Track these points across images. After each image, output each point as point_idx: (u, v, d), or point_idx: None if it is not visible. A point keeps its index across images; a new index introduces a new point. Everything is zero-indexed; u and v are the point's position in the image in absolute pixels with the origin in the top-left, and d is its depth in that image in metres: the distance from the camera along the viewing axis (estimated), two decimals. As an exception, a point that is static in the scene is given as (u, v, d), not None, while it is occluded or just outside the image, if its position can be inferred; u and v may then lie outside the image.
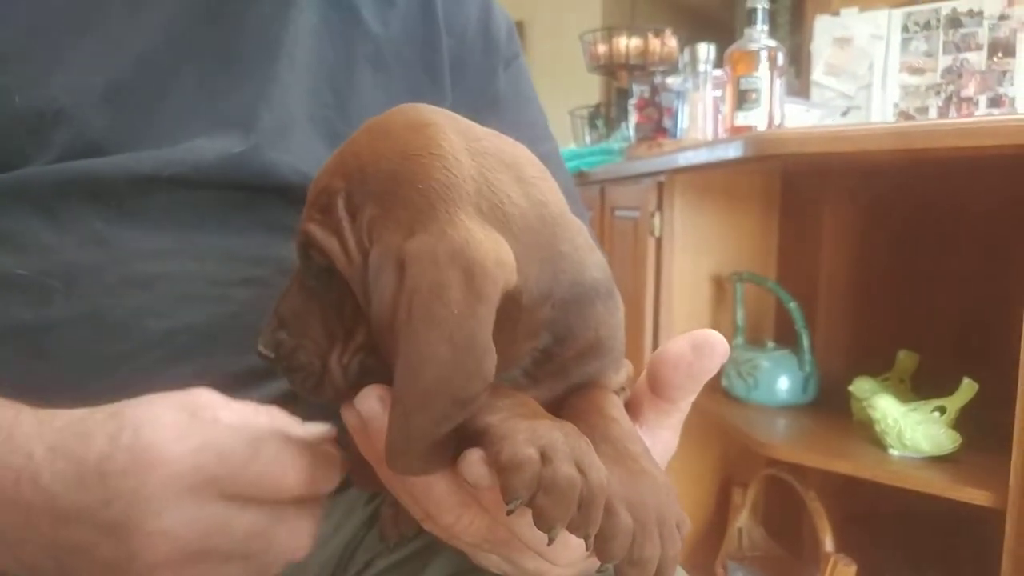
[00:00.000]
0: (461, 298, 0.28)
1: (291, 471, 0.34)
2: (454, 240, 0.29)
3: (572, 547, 0.31)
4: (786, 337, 1.37)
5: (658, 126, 1.65)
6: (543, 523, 0.26)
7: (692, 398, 0.36)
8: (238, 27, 0.50)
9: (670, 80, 1.78)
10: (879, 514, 1.26)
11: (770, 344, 1.36)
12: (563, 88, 2.41)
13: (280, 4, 0.52)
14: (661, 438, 0.36)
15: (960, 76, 3.19)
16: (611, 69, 2.02)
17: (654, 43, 1.92)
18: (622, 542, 0.27)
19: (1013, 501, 0.90)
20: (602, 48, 1.98)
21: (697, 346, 0.34)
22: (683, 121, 1.52)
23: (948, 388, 1.06)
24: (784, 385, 1.29)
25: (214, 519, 0.33)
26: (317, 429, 0.38)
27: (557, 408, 0.34)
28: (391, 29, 0.57)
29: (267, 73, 0.50)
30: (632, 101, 1.77)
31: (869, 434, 1.10)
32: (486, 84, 0.63)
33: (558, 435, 0.28)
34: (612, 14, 4.16)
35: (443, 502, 0.31)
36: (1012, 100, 3.05)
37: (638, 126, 1.70)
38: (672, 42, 1.94)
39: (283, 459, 0.34)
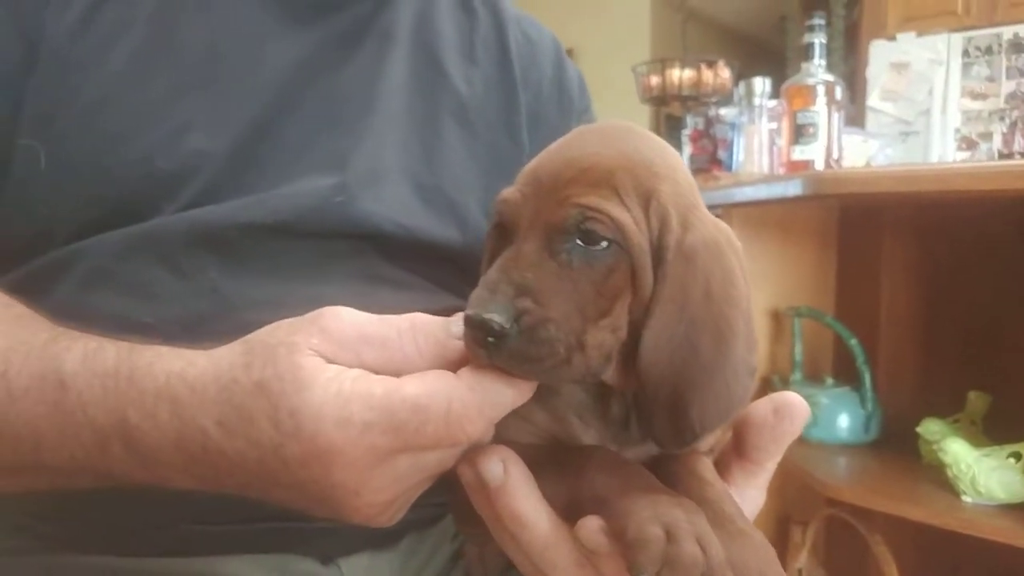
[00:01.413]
0: (742, 279, 0.34)
1: (467, 424, 0.32)
2: (726, 230, 0.35)
3: None
4: (845, 374, 1.34)
5: (713, 157, 1.65)
6: None
7: (778, 458, 0.36)
8: (336, 80, 0.54)
9: (723, 111, 1.78)
10: (949, 562, 1.21)
11: (829, 380, 1.34)
12: (611, 116, 2.42)
13: (375, 59, 0.56)
14: (749, 497, 0.37)
15: (1025, 102, 3.09)
16: (664, 100, 2.03)
17: (707, 74, 1.92)
18: None
19: (1097, 554, 0.86)
20: (655, 79, 1.99)
21: (778, 410, 0.36)
22: (739, 154, 1.52)
23: (1022, 432, 1.02)
24: (844, 423, 1.27)
25: (406, 471, 0.33)
26: (460, 326, 0.34)
27: (652, 469, 0.35)
28: (474, 88, 0.60)
29: (362, 123, 0.53)
30: (686, 132, 1.77)
31: (939, 478, 1.07)
32: (561, 134, 0.65)
33: (680, 513, 0.29)
34: (661, 42, 4.19)
35: (559, 562, 0.33)
36: (1080, 126, 2.94)
37: (692, 157, 1.70)
38: (725, 73, 1.94)
39: (453, 415, 0.32)
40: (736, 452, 0.37)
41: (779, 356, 1.43)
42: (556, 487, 0.33)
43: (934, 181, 0.91)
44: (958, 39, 3.17)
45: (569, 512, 0.32)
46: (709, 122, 1.68)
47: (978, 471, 1.01)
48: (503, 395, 0.32)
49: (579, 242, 0.32)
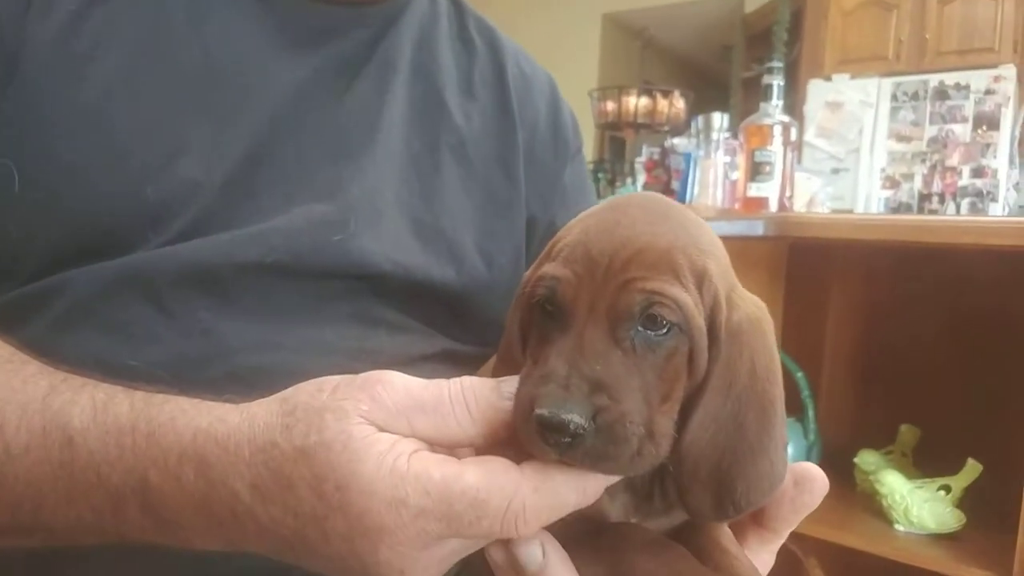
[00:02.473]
0: (777, 354, 0.35)
1: (522, 526, 0.31)
2: (762, 306, 0.36)
3: None
4: (788, 405, 1.40)
5: (666, 188, 1.70)
6: None
7: (794, 527, 0.38)
8: (336, 108, 0.52)
9: (677, 141, 1.84)
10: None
11: (774, 410, 1.39)
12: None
13: (377, 88, 0.54)
14: (762, 561, 0.38)
15: (945, 146, 3.34)
16: (618, 126, 2.08)
17: (662, 103, 1.98)
18: None
19: (1017, 583, 0.93)
20: (611, 105, 2.03)
21: (798, 482, 0.36)
22: (694, 186, 1.57)
23: (949, 463, 1.10)
24: (788, 452, 1.32)
25: (451, 552, 0.32)
26: (510, 387, 0.33)
27: (675, 538, 0.36)
28: (472, 123, 0.59)
29: (362, 153, 0.52)
30: (641, 160, 1.82)
31: (872, 506, 1.13)
32: (555, 176, 0.65)
33: None
34: (609, 69, 4.28)
35: None
36: (995, 172, 3.20)
37: (646, 186, 1.75)
38: (680, 103, 2.00)
39: (511, 514, 0.30)
40: (753, 519, 0.37)
41: (726, 384, 1.47)
42: (593, 568, 0.32)
43: (889, 231, 0.97)
44: (888, 83, 3.39)
45: None
46: (664, 152, 1.73)
47: (911, 502, 1.08)
48: (566, 501, 0.31)
49: (640, 328, 0.31)
